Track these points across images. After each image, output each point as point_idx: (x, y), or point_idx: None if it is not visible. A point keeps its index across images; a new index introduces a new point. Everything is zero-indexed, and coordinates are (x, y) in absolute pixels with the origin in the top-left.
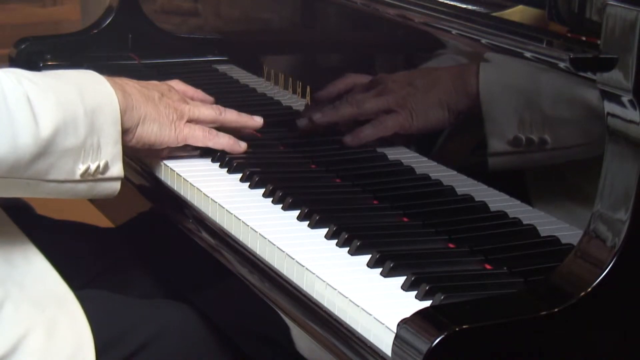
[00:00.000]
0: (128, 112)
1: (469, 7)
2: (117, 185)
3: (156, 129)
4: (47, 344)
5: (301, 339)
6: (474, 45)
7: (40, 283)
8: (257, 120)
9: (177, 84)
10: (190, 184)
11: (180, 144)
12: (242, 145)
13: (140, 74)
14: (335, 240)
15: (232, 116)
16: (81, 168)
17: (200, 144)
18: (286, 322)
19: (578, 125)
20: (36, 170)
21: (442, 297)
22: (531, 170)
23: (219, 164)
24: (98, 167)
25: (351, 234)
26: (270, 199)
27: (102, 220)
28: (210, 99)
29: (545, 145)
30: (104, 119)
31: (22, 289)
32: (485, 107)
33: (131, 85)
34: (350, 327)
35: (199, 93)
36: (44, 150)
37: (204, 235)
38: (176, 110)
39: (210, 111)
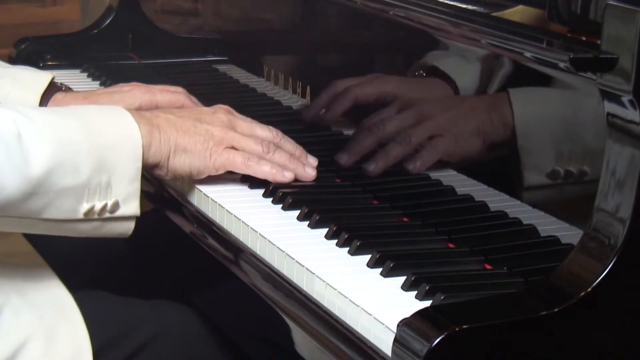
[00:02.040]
0: (154, 146)
1: (469, 7)
2: (130, 225)
3: (189, 160)
4: (46, 351)
5: (301, 339)
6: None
7: (40, 288)
8: (309, 172)
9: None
10: (188, 182)
11: (220, 172)
12: (287, 176)
13: (140, 74)
14: (335, 240)
15: (281, 159)
16: (85, 207)
17: (239, 171)
18: (286, 322)
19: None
20: (28, 210)
21: (442, 297)
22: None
23: None
24: (105, 206)
25: (351, 234)
26: (271, 199)
27: None
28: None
29: (584, 177)
30: (118, 156)
31: (22, 295)
32: (521, 139)
33: (162, 117)
34: (350, 327)
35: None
36: (36, 190)
37: (202, 234)
38: (213, 137)
39: (257, 147)
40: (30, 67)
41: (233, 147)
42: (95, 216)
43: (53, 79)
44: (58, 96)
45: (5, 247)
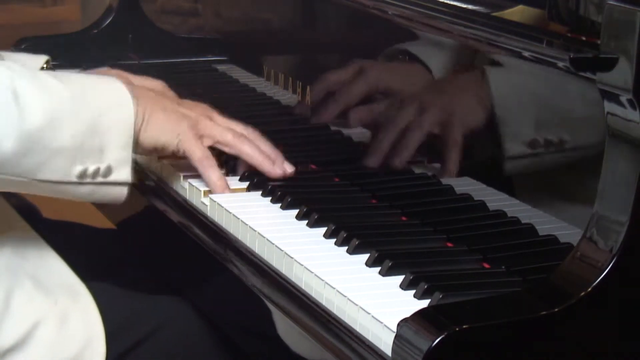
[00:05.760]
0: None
1: (469, 7)
2: (123, 191)
3: (157, 135)
4: (58, 335)
5: (299, 338)
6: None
7: (53, 275)
8: (277, 171)
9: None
10: (184, 179)
11: (181, 154)
12: (226, 192)
13: (140, 74)
14: (334, 239)
15: (250, 149)
16: (78, 169)
17: (194, 164)
18: (284, 321)
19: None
20: (24, 168)
21: (440, 296)
22: (537, 171)
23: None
24: (98, 170)
25: (350, 232)
26: (269, 198)
27: (102, 221)
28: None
29: (564, 146)
30: (111, 121)
31: (35, 280)
32: (500, 112)
33: (143, 91)
34: (349, 326)
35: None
36: (32, 147)
37: (201, 233)
38: (187, 119)
39: (227, 135)
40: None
41: (202, 135)
42: (89, 180)
43: (48, 60)
44: None
45: (18, 240)
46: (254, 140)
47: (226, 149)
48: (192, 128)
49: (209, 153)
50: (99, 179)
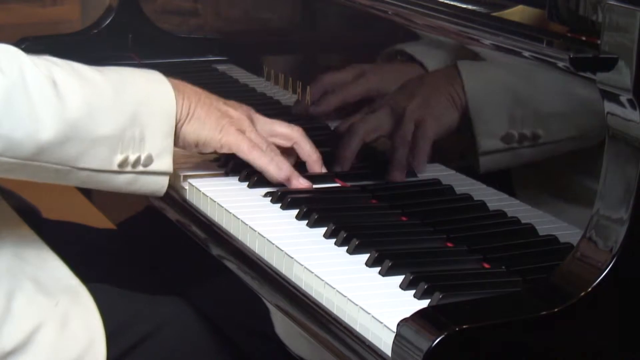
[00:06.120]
0: (177, 106)
1: (469, 7)
2: (164, 181)
3: (200, 129)
4: (59, 338)
5: (299, 338)
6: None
7: (53, 277)
8: (302, 183)
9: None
10: (184, 179)
11: (224, 150)
12: (282, 175)
13: None
14: (334, 239)
15: (279, 161)
16: (119, 158)
17: (241, 155)
18: (285, 321)
19: (569, 117)
20: (65, 156)
21: (440, 296)
22: (529, 169)
23: (217, 163)
24: (139, 158)
25: (350, 233)
26: (270, 198)
27: (102, 220)
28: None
29: (538, 140)
30: (152, 111)
31: (36, 283)
32: (473, 106)
33: (188, 86)
34: (349, 326)
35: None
36: (72, 135)
37: (198, 231)
38: (230, 116)
39: (262, 144)
40: None
41: (244, 132)
42: (129, 168)
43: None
44: None
45: (18, 242)
46: (298, 142)
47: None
48: (233, 124)
49: (254, 142)
50: (140, 168)
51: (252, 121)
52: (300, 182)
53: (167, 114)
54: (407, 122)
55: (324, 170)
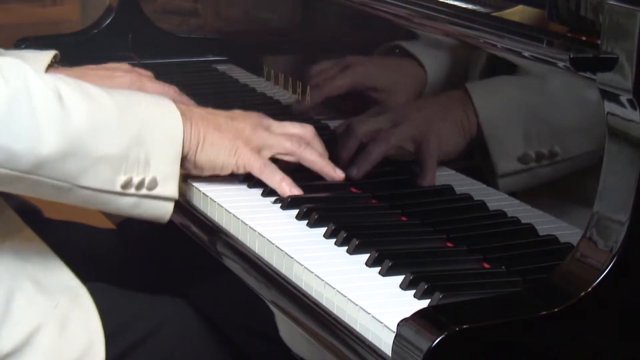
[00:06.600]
0: (185, 137)
1: (469, 7)
2: (168, 207)
3: (215, 155)
4: (59, 340)
5: (299, 338)
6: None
7: (53, 277)
8: (339, 174)
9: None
10: (184, 179)
11: (241, 171)
12: (294, 191)
13: None
14: (334, 239)
15: (312, 155)
16: (122, 179)
17: (258, 176)
18: (285, 321)
19: (587, 131)
20: (66, 172)
21: (440, 296)
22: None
23: None
24: (143, 180)
25: (350, 233)
26: (270, 198)
27: (102, 221)
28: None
29: (555, 157)
30: (157, 134)
31: (36, 283)
32: (487, 130)
33: (195, 111)
34: (349, 326)
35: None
36: (74, 151)
37: (198, 231)
38: (242, 135)
39: (287, 143)
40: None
41: (260, 148)
42: (133, 190)
43: (57, 55)
44: (50, 71)
45: (19, 243)
46: (311, 141)
47: (287, 158)
48: (248, 143)
49: (267, 161)
50: (144, 191)
51: (265, 128)
52: (337, 173)
53: (174, 139)
54: (425, 158)
55: (338, 171)
